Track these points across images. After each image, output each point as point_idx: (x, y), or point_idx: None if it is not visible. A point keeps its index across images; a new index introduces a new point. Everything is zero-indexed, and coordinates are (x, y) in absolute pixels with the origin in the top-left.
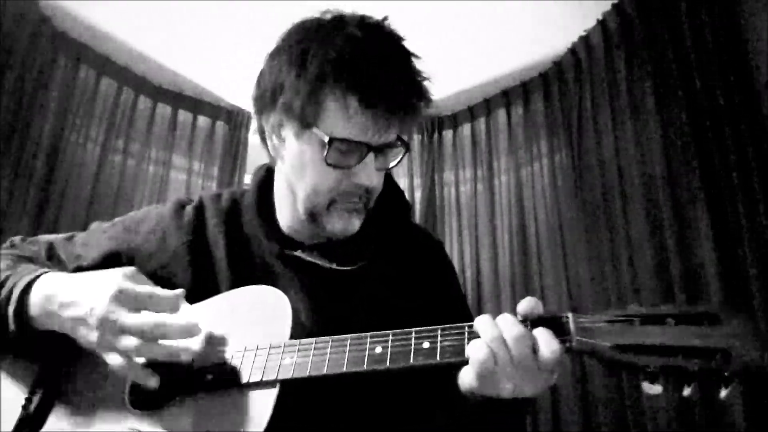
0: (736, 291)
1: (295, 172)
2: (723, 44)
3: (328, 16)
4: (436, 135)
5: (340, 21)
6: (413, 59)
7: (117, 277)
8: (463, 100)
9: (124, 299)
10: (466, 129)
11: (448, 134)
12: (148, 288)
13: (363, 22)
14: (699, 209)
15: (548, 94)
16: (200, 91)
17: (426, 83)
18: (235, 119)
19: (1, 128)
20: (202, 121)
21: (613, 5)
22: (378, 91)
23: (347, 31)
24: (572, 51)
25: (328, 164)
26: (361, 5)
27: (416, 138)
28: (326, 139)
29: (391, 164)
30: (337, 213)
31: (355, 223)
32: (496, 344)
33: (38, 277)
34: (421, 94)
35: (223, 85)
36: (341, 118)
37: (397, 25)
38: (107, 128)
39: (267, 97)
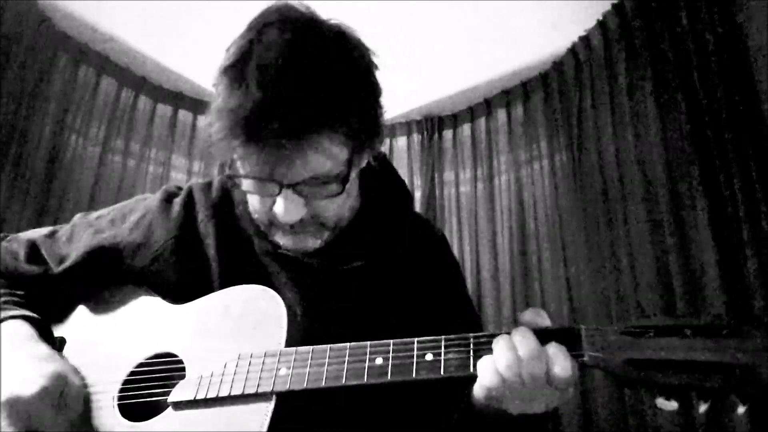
0: (737, 291)
1: None
2: (723, 44)
3: (261, 18)
4: (436, 135)
5: (257, 31)
6: (336, 79)
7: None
8: (463, 100)
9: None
10: (466, 129)
11: (448, 134)
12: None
13: (276, 39)
14: (699, 209)
15: (548, 94)
16: (200, 91)
17: (349, 106)
18: None
19: (1, 128)
20: (203, 121)
21: (613, 5)
22: (260, 128)
23: (251, 56)
24: (572, 51)
25: (245, 190)
26: (362, 5)
27: (416, 138)
28: (229, 172)
29: (326, 196)
30: (281, 231)
31: (309, 242)
32: (508, 370)
33: None
34: (327, 123)
35: None
36: (233, 156)
37: (397, 25)
38: (107, 128)
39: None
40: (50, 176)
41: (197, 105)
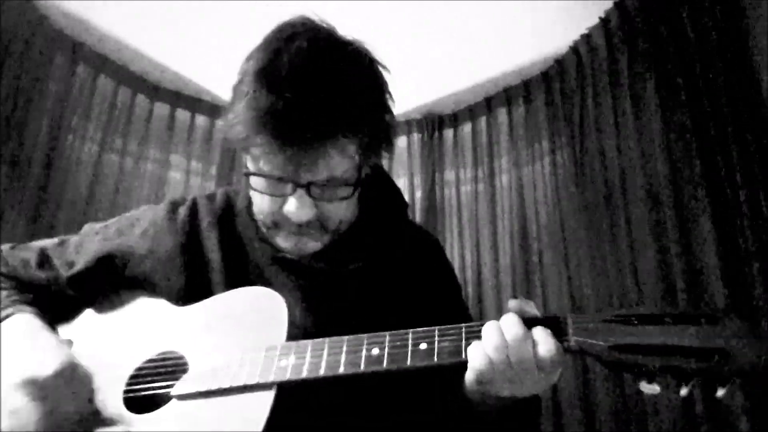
0: (739, 289)
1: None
2: (726, 42)
3: (287, 28)
4: (436, 134)
5: (283, 40)
6: (356, 86)
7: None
8: (463, 98)
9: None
10: (466, 128)
11: (448, 133)
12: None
13: (302, 44)
14: (701, 208)
15: (550, 93)
16: (198, 89)
17: (369, 112)
18: None
19: None
20: (201, 120)
21: (615, 3)
22: (286, 128)
23: (277, 57)
24: (574, 49)
25: (254, 189)
26: (362, 6)
27: (416, 137)
28: (244, 170)
29: (338, 198)
30: (284, 234)
31: (309, 245)
32: (495, 352)
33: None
34: (350, 128)
35: (221, 84)
36: (255, 152)
37: (397, 25)
38: (104, 127)
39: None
40: (47, 175)
41: (195, 104)
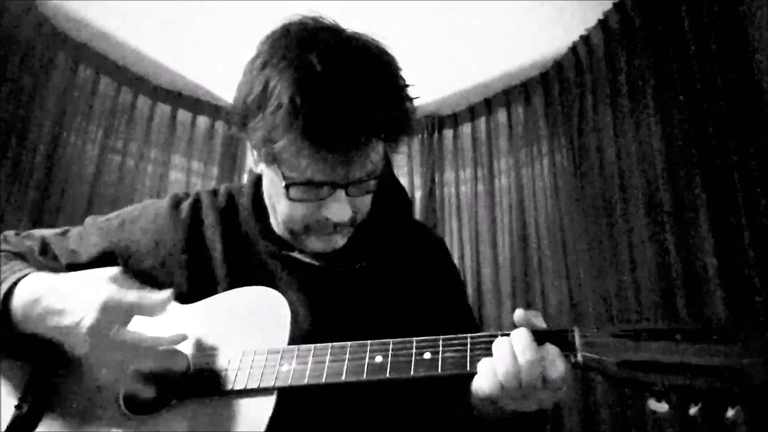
0: (738, 290)
1: (270, 195)
2: (725, 42)
3: (303, 29)
4: (436, 134)
5: (306, 42)
6: (388, 82)
7: (103, 284)
8: (463, 99)
9: (113, 310)
10: (466, 128)
11: (448, 134)
12: (135, 295)
13: (329, 45)
14: (700, 209)
15: (549, 94)
16: (199, 90)
17: (401, 107)
18: None
19: (0, 128)
20: (202, 120)
21: (614, 4)
22: (332, 135)
23: (307, 61)
24: (573, 50)
25: (292, 199)
26: (364, 5)
27: (416, 137)
28: (283, 183)
29: (367, 192)
30: (314, 235)
31: (338, 241)
32: (507, 377)
33: (23, 277)
34: (388, 127)
35: (222, 84)
36: (297, 161)
37: (397, 25)
38: (106, 128)
39: (238, 115)
40: (49, 176)
41: (196, 104)
